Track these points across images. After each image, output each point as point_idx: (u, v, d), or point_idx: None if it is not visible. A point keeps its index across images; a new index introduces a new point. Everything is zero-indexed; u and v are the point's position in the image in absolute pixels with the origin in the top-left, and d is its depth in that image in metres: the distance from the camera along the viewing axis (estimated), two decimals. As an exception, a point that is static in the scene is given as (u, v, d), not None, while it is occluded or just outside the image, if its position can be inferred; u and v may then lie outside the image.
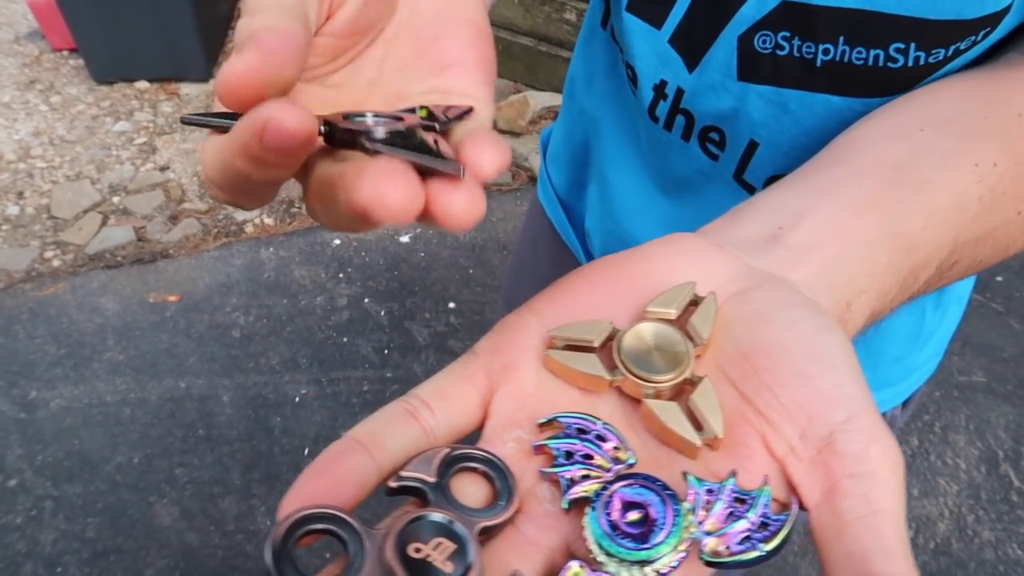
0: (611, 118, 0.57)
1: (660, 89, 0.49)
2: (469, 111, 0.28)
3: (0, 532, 1.40)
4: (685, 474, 0.22)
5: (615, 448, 0.23)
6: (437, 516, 0.20)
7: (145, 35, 2.16)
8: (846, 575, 0.20)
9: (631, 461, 0.23)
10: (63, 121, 2.18)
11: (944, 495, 1.51)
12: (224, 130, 0.24)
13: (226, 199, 0.26)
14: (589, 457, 0.23)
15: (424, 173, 0.23)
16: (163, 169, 2.07)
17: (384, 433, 0.22)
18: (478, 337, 0.27)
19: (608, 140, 0.58)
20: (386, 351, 1.70)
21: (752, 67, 0.44)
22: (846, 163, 0.32)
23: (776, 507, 0.22)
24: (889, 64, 0.38)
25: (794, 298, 0.26)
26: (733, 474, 0.22)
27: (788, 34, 0.41)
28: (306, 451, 1.52)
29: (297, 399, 1.61)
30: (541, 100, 2.25)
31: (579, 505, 0.22)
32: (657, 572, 0.20)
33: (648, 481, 0.22)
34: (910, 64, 0.38)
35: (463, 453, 0.22)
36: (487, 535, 0.21)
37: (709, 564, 0.21)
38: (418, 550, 0.19)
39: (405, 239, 1.93)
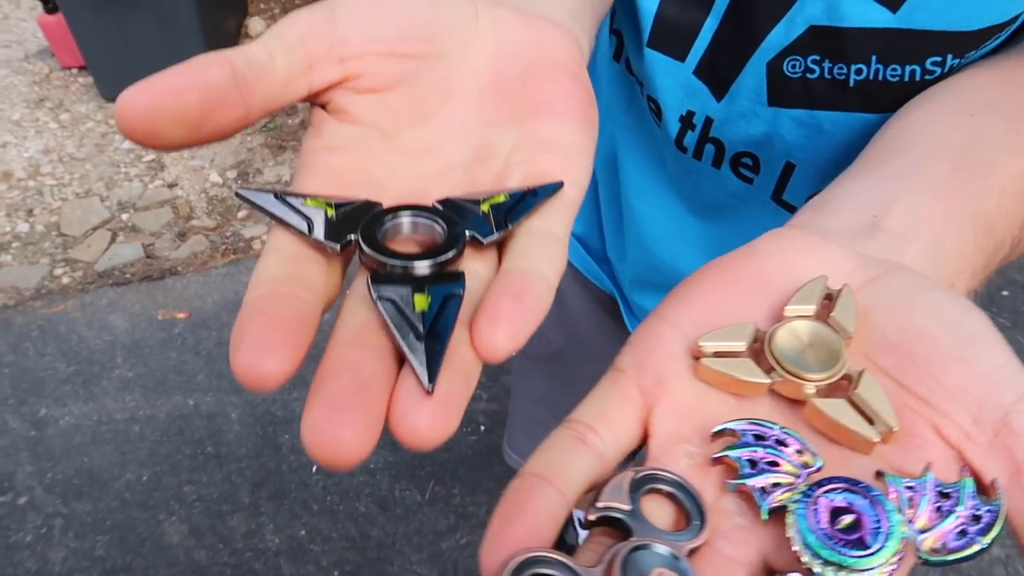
0: (633, 149, 0.58)
1: (687, 120, 0.50)
2: (559, 187, 0.26)
3: (10, 550, 1.41)
4: (880, 473, 0.22)
5: (798, 452, 0.22)
6: (660, 548, 0.20)
7: (153, 52, 2.18)
8: None
9: (819, 464, 0.22)
10: (72, 139, 2.20)
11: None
12: (282, 222, 0.23)
13: None
14: (774, 464, 0.22)
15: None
16: (171, 186, 2.09)
17: (561, 463, 0.22)
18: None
19: (631, 170, 0.58)
20: (393, 367, 1.70)
21: (783, 92, 0.44)
22: (909, 151, 0.32)
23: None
24: (926, 77, 0.39)
25: (927, 282, 0.26)
26: (929, 468, 0.21)
27: (818, 57, 0.42)
28: (314, 468, 1.53)
29: (305, 416, 1.61)
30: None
31: (777, 515, 0.21)
32: None
33: (851, 484, 0.21)
34: (945, 71, 0.38)
35: (647, 475, 0.22)
36: (688, 558, 0.21)
37: (927, 564, 0.20)
38: None
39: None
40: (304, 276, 0.22)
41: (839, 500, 0.21)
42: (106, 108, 2.29)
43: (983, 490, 0.22)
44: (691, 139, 0.50)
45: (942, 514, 0.21)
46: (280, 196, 0.24)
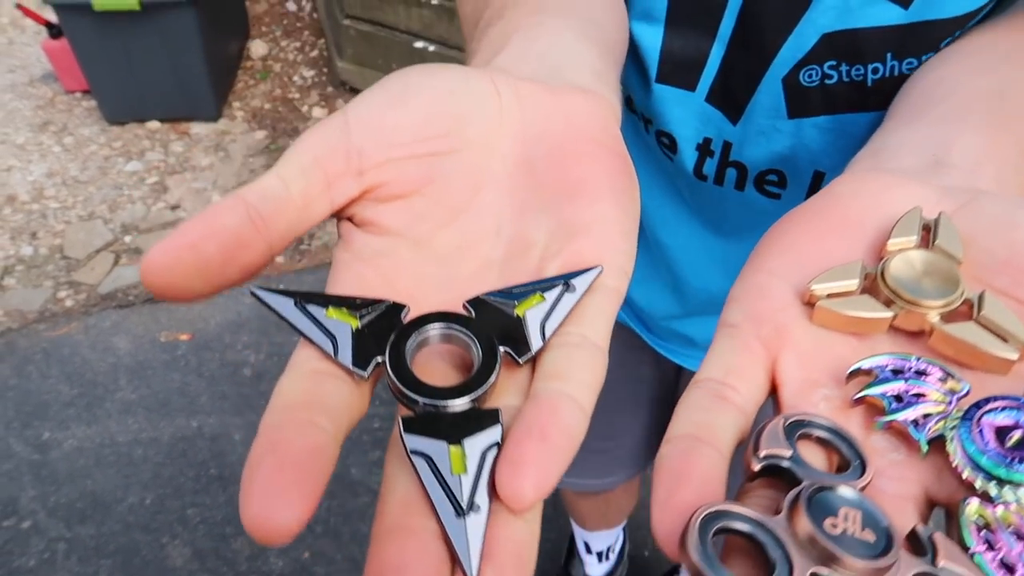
0: (646, 183, 0.59)
1: (704, 148, 0.50)
2: (597, 273, 0.24)
3: (14, 575, 1.40)
4: None
5: (941, 380, 0.22)
6: (843, 489, 0.19)
7: (156, 76, 2.20)
8: None
9: (966, 388, 0.21)
10: (76, 162, 2.22)
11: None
12: (304, 336, 0.22)
13: None
14: (921, 395, 0.21)
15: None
16: (174, 208, 2.10)
17: (710, 422, 0.21)
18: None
19: (648, 205, 0.58)
20: (396, 387, 1.70)
21: (802, 103, 0.44)
22: (946, 101, 0.32)
23: None
24: None
25: (1020, 200, 0.25)
26: None
27: (835, 62, 0.42)
28: (317, 489, 1.52)
29: (308, 437, 1.61)
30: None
31: (935, 446, 0.21)
32: None
33: (1013, 400, 0.20)
34: None
35: (796, 421, 0.21)
36: None
37: None
38: (834, 525, 0.18)
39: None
40: (324, 397, 0.21)
41: (1003, 418, 0.20)
42: (109, 131, 2.31)
43: None
44: (711, 166, 0.50)
45: None
46: (300, 303, 0.23)
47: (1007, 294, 0.24)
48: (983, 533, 0.19)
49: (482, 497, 0.20)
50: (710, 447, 0.20)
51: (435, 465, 0.20)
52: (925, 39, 0.39)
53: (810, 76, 0.43)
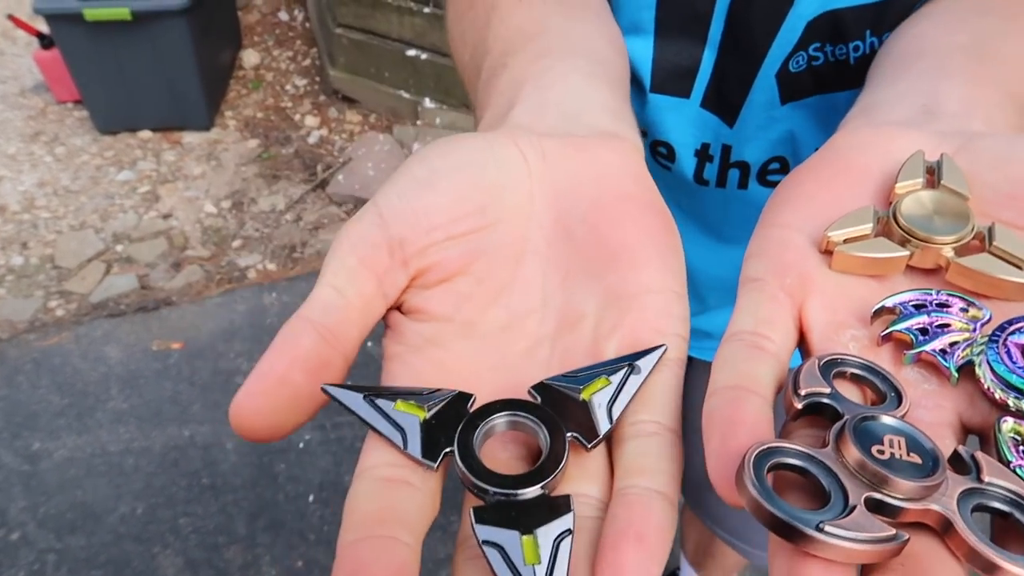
0: None
1: (703, 153, 0.50)
2: (662, 353, 0.24)
3: (2, 587, 1.38)
4: None
5: (962, 310, 0.22)
6: (886, 417, 0.19)
7: (148, 86, 2.20)
8: None
9: (988, 314, 0.22)
10: (67, 172, 2.21)
11: None
12: (374, 429, 0.23)
13: None
14: (945, 326, 0.22)
15: None
16: (166, 217, 2.09)
17: (751, 372, 0.21)
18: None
19: None
20: (390, 394, 1.69)
21: (794, 88, 0.45)
22: (927, 56, 0.32)
23: None
24: None
25: (1015, 136, 0.26)
26: None
27: (819, 44, 0.43)
28: (311, 498, 1.51)
29: (301, 445, 1.60)
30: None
31: (964, 372, 0.21)
32: None
33: None
34: None
35: (829, 360, 0.21)
36: None
37: None
38: (881, 452, 0.18)
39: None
40: (399, 506, 0.21)
41: None
42: (101, 141, 2.31)
43: None
44: (711, 171, 0.50)
45: None
46: (369, 397, 0.23)
47: (1015, 225, 0.24)
48: (1021, 448, 0.19)
49: None
50: (754, 394, 0.21)
51: (507, 555, 0.20)
52: (899, 12, 0.39)
53: (798, 63, 0.44)
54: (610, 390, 0.23)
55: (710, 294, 0.63)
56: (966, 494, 0.18)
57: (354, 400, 0.23)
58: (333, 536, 1.56)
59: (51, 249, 2.00)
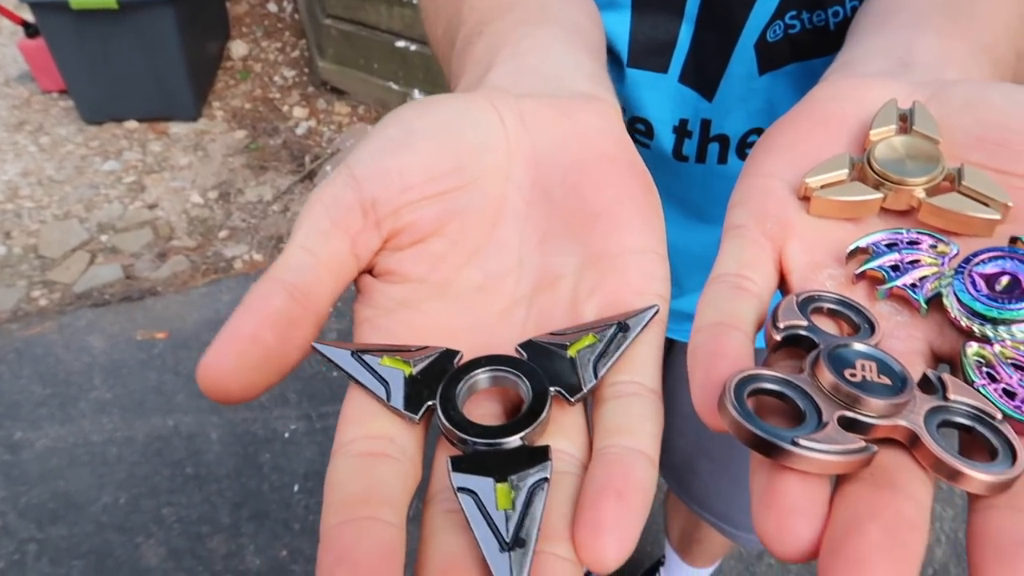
0: None
1: (682, 129, 0.49)
2: (654, 314, 0.24)
3: (-18, 577, 1.37)
4: (1015, 238, 0.23)
5: (931, 246, 0.23)
6: (857, 344, 0.20)
7: (134, 76, 2.18)
8: None
9: (955, 249, 0.23)
10: (52, 161, 2.19)
11: (940, 520, 1.50)
12: (359, 383, 0.23)
13: None
14: (916, 261, 0.23)
15: None
16: (152, 207, 2.08)
17: (733, 310, 0.22)
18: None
19: None
20: (377, 385, 1.68)
21: (772, 57, 0.45)
22: (903, 11, 0.33)
23: None
24: None
25: (985, 82, 0.27)
26: None
27: (795, 12, 0.42)
28: (296, 487, 1.50)
29: (287, 435, 1.59)
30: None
31: (934, 305, 0.23)
32: None
33: (998, 250, 0.22)
34: None
35: (807, 297, 0.23)
36: None
37: None
38: (853, 375, 0.19)
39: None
40: (380, 483, 0.21)
41: (991, 267, 0.22)
42: (86, 131, 2.29)
43: None
44: (690, 147, 0.50)
45: None
46: (357, 354, 0.23)
47: (983, 165, 0.25)
48: (984, 370, 0.21)
49: (528, 533, 0.19)
50: (737, 330, 0.21)
51: (480, 501, 0.20)
52: None
53: (775, 32, 0.44)
54: (597, 347, 0.23)
55: (690, 277, 0.63)
56: (932, 411, 0.19)
57: (342, 356, 0.23)
58: (318, 526, 1.54)
59: (34, 239, 1.97)
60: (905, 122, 0.26)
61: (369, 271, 0.26)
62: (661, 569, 1.29)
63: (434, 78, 2.19)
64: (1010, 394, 0.20)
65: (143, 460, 1.54)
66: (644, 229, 0.26)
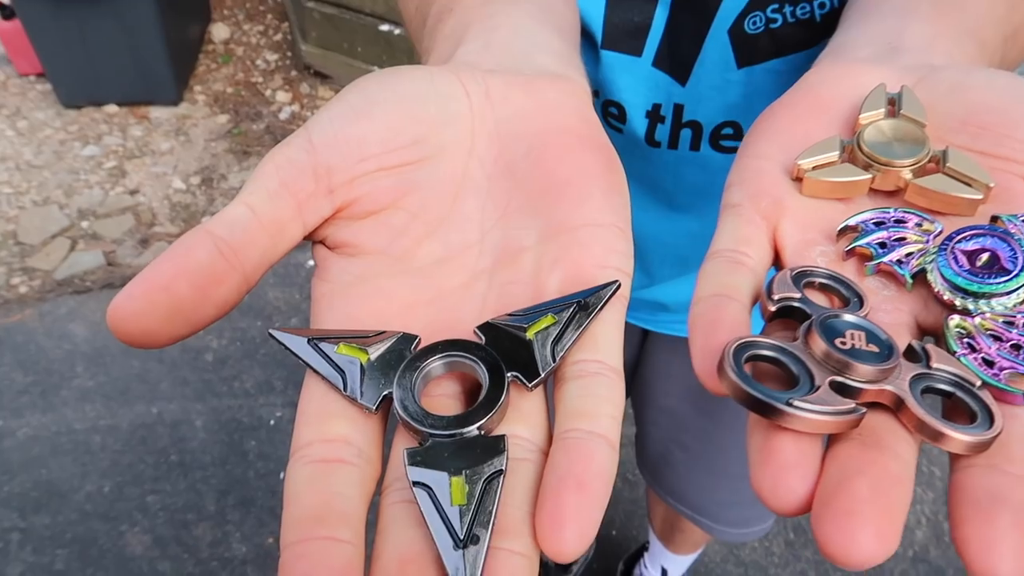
0: None
1: (655, 114, 0.49)
2: (615, 289, 0.24)
3: (-36, 566, 1.36)
4: (995, 217, 0.24)
5: (917, 225, 0.25)
6: (848, 315, 0.22)
7: (114, 58, 2.15)
8: None
9: (940, 227, 0.25)
10: (30, 146, 2.16)
11: (920, 502, 1.52)
12: (315, 372, 0.23)
13: None
14: (902, 239, 0.24)
15: None
16: (133, 193, 2.05)
17: (731, 283, 0.23)
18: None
19: None
20: (362, 371, 1.68)
21: (750, 51, 0.44)
22: (892, 1, 0.33)
23: None
24: None
25: (970, 67, 0.28)
26: None
27: (777, 5, 0.42)
28: (281, 475, 1.49)
29: (272, 422, 1.58)
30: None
31: (919, 280, 0.24)
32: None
33: (979, 228, 0.23)
34: None
35: (800, 272, 0.24)
36: None
37: None
38: (843, 343, 0.20)
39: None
40: (338, 495, 0.21)
41: (972, 245, 0.23)
42: (65, 115, 2.25)
43: None
44: (663, 132, 0.50)
45: None
46: (313, 342, 0.23)
47: (968, 148, 0.26)
48: (965, 341, 0.22)
49: (482, 529, 0.19)
50: (734, 300, 0.22)
51: (435, 496, 0.20)
52: None
53: (754, 23, 0.43)
54: (555, 329, 0.23)
55: (661, 266, 0.63)
56: (917, 378, 0.20)
57: (298, 344, 0.23)
58: (304, 513, 1.54)
59: (13, 225, 1.95)
60: (893, 106, 0.27)
61: (323, 242, 0.26)
62: (645, 555, 1.30)
63: (418, 63, 2.17)
64: (989, 363, 0.21)
65: (127, 448, 1.53)
66: (605, 203, 0.26)
